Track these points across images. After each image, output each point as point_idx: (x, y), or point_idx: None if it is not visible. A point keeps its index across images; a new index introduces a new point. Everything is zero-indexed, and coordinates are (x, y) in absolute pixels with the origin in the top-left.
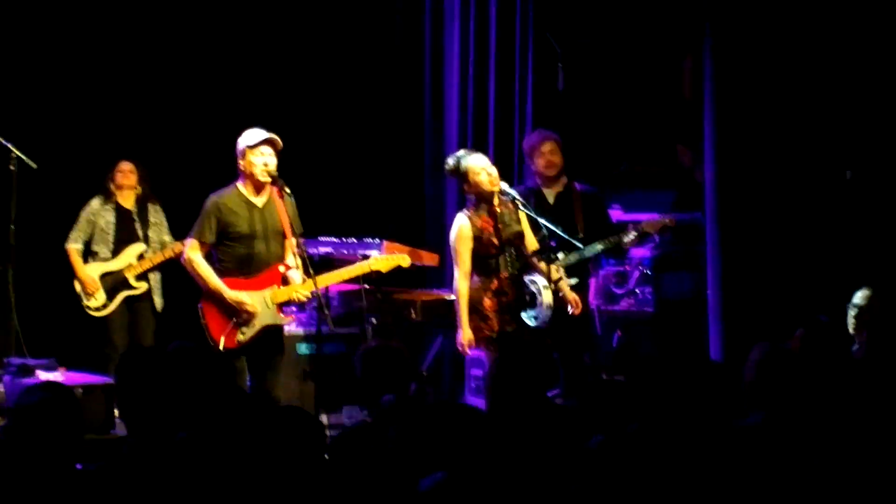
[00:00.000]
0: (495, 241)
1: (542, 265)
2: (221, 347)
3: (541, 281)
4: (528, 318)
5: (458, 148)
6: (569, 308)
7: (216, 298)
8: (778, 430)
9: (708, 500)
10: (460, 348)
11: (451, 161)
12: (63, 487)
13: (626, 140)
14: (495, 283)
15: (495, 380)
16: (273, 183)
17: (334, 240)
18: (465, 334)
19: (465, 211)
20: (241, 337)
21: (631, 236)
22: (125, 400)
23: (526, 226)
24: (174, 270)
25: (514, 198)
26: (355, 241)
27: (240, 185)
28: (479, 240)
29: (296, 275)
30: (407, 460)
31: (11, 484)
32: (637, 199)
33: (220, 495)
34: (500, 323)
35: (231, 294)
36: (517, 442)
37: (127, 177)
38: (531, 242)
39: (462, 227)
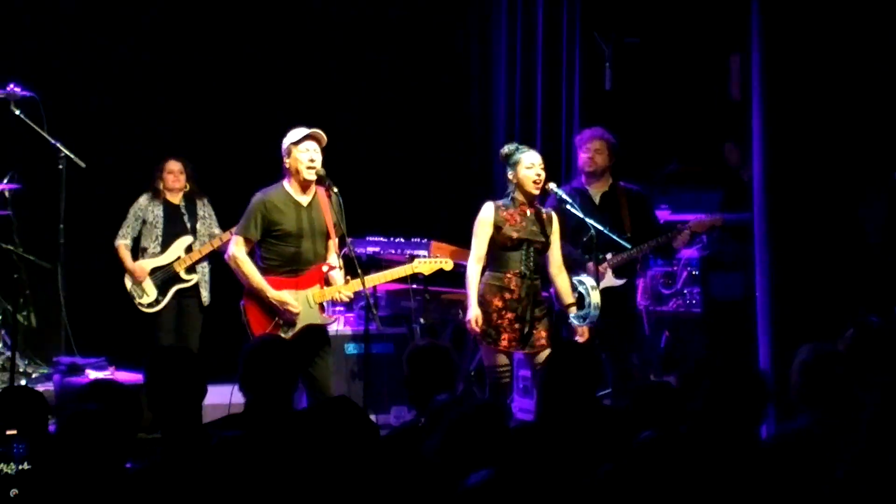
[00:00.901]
0: (514, 235)
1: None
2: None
3: (588, 281)
4: (576, 318)
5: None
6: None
7: (259, 297)
8: (826, 433)
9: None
10: (468, 326)
11: (509, 147)
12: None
13: (673, 140)
14: (504, 279)
15: (546, 381)
16: (319, 182)
17: (382, 239)
18: (473, 311)
19: (498, 200)
20: (283, 335)
21: (680, 237)
22: (153, 397)
23: (556, 240)
24: (222, 265)
25: (560, 198)
26: (403, 240)
27: (286, 183)
28: (498, 229)
29: (338, 275)
30: (453, 460)
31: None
32: (685, 200)
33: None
34: (497, 319)
35: (273, 294)
36: (566, 442)
37: (177, 179)
38: (555, 258)
39: (484, 213)
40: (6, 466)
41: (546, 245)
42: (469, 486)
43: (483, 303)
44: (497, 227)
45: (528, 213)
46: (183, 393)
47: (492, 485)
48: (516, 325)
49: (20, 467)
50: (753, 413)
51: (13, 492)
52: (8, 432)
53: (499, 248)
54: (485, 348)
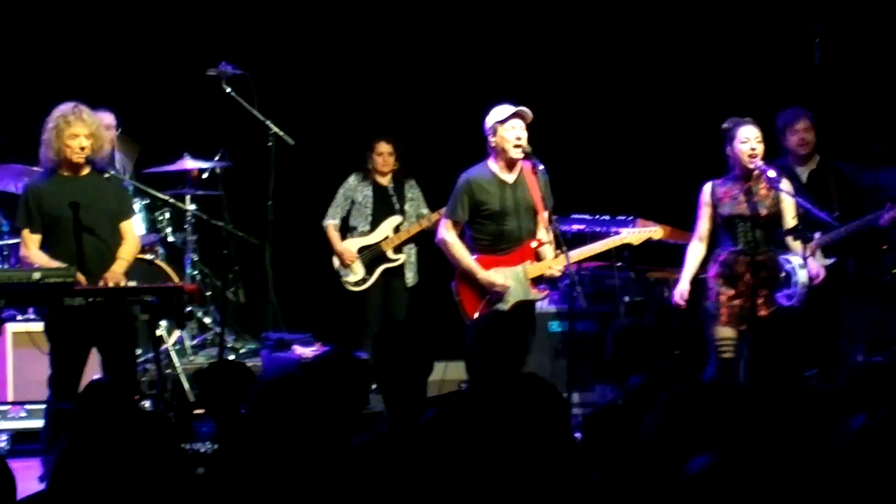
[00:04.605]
0: (729, 212)
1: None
2: (472, 322)
3: (796, 260)
4: (782, 297)
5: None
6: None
7: (470, 277)
8: None
9: None
10: (674, 300)
11: (727, 122)
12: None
13: (882, 117)
14: (724, 256)
15: (748, 361)
16: (525, 158)
17: (587, 217)
18: (681, 286)
19: (716, 179)
20: None
21: (888, 215)
22: (381, 374)
23: (787, 207)
24: (429, 246)
25: (769, 177)
26: (608, 218)
27: (490, 162)
28: (715, 207)
29: (548, 250)
30: (670, 442)
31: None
32: (893, 178)
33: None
34: (718, 295)
35: (483, 275)
36: (776, 424)
37: (386, 161)
38: (787, 223)
39: (704, 191)
40: (197, 445)
41: (775, 214)
42: (693, 473)
43: (707, 279)
44: (714, 206)
45: (750, 185)
46: (411, 368)
47: (716, 470)
48: (735, 302)
49: (209, 446)
50: None
51: (200, 470)
52: (196, 411)
53: (718, 226)
54: (709, 322)
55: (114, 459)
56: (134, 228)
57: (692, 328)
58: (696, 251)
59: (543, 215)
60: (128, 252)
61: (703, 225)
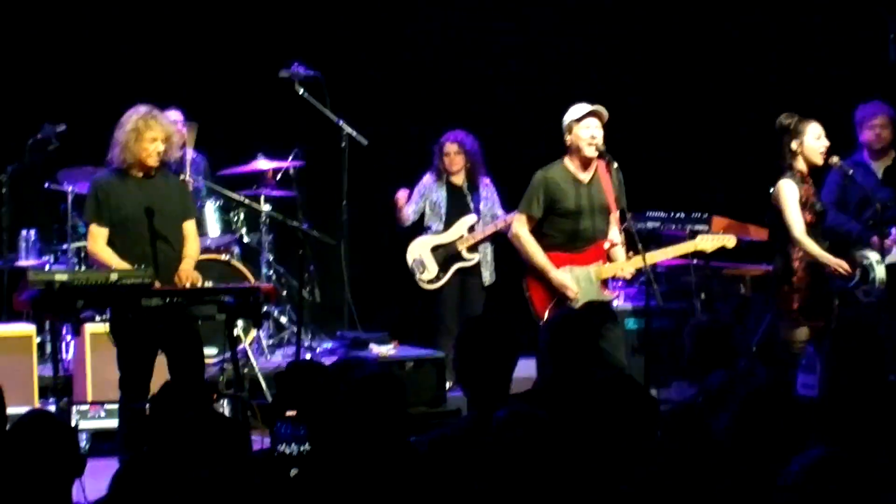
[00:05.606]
0: (816, 209)
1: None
2: (544, 321)
3: (873, 256)
4: (860, 293)
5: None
6: None
7: (540, 274)
8: None
9: None
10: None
11: (788, 118)
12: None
13: None
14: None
15: (828, 358)
16: (600, 157)
17: (662, 214)
18: (832, 261)
19: (789, 177)
20: None
21: None
22: (465, 372)
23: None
24: (506, 245)
25: (845, 172)
26: (683, 215)
27: (567, 160)
28: (804, 206)
29: (619, 251)
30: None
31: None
32: None
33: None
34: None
35: (555, 274)
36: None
37: (454, 161)
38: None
39: (790, 189)
40: (287, 447)
41: (822, 214)
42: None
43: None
44: (803, 205)
45: (811, 184)
46: (495, 363)
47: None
48: (805, 299)
49: (301, 448)
50: None
51: (293, 471)
52: (288, 413)
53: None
54: (782, 321)
55: (187, 463)
56: (195, 228)
57: (769, 325)
58: (809, 240)
59: (615, 215)
60: (194, 250)
61: (801, 219)
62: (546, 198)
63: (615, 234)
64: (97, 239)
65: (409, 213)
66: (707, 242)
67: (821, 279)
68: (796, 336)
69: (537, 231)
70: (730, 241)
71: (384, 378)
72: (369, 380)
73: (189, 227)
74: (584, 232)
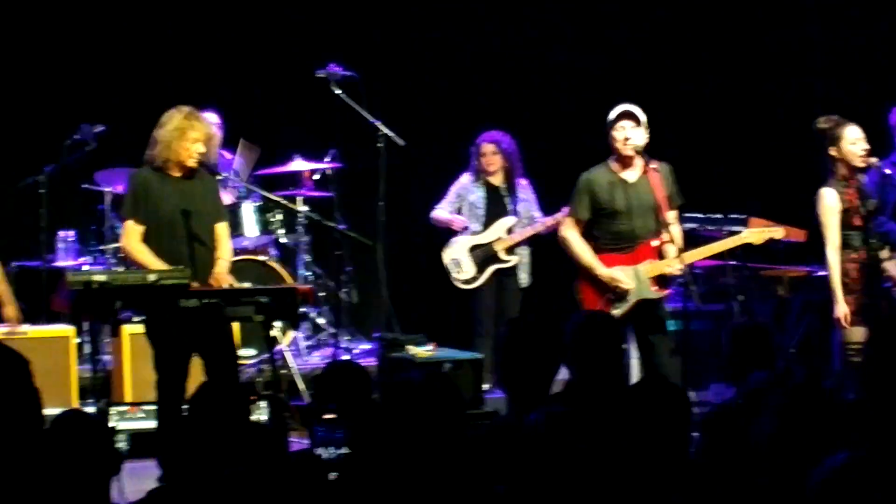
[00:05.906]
0: (861, 213)
1: None
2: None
3: None
4: None
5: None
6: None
7: (592, 275)
8: None
9: None
10: (837, 323)
11: (826, 122)
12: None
13: None
14: (859, 255)
15: (868, 361)
16: (639, 157)
17: (699, 215)
18: (840, 308)
19: (830, 183)
20: (616, 311)
21: None
22: (507, 373)
23: None
24: (542, 247)
25: (884, 173)
26: (721, 216)
27: (611, 161)
28: (846, 213)
29: (671, 249)
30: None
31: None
32: None
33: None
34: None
35: (603, 271)
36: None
37: (490, 161)
38: None
39: (830, 200)
40: (324, 451)
41: (869, 215)
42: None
43: (844, 282)
44: (845, 212)
45: (856, 186)
46: (538, 365)
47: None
48: (850, 299)
49: (339, 452)
50: None
51: (332, 475)
52: (325, 416)
53: (846, 231)
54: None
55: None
56: (228, 230)
57: (807, 328)
58: (838, 261)
59: (669, 214)
60: (228, 252)
61: (838, 233)
62: (591, 199)
63: (674, 230)
64: (133, 235)
65: (447, 215)
66: (755, 235)
67: (875, 280)
68: (853, 337)
69: (587, 234)
70: (777, 232)
71: (440, 379)
72: (427, 381)
73: (222, 228)
74: (630, 232)
